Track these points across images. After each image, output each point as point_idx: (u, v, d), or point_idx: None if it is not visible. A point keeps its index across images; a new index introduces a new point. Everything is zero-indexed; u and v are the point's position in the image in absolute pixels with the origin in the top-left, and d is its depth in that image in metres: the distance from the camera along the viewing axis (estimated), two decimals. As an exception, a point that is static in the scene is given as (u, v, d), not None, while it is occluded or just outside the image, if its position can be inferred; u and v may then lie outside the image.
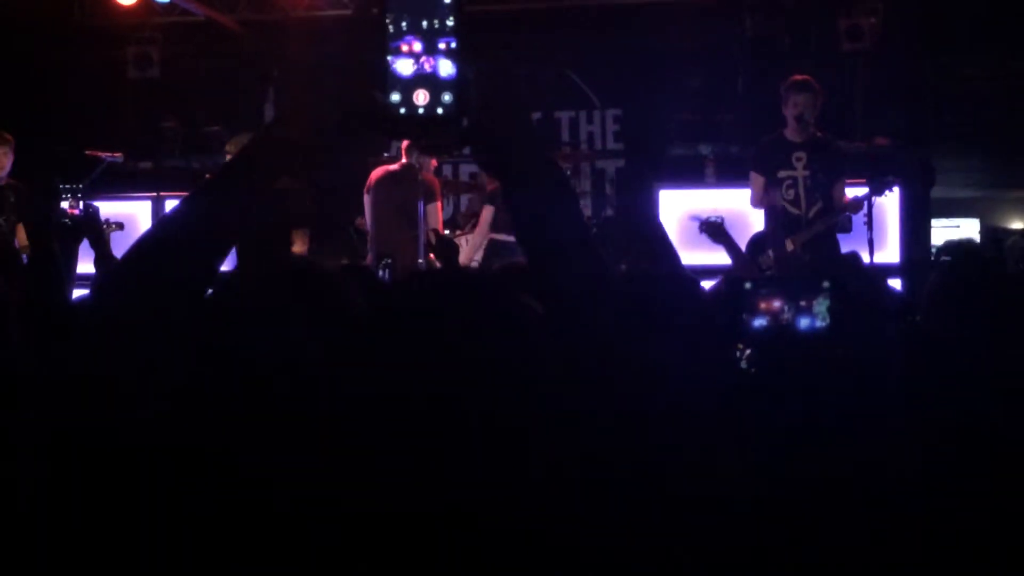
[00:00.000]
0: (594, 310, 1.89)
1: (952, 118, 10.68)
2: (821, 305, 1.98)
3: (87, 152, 9.75)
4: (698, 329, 2.10)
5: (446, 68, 1.84)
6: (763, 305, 1.99)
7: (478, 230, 9.13)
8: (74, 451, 1.81)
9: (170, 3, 11.20)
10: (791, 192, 7.72)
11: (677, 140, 11.36)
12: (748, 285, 1.99)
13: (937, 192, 10.44)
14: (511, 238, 8.38)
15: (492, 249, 8.94)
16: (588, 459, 1.78)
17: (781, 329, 1.99)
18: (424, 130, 1.89)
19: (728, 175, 10.37)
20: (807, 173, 7.68)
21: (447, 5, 1.85)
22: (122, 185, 9.98)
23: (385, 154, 10.89)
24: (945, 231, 12.47)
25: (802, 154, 7.67)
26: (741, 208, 8.89)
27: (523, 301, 1.81)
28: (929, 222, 10.64)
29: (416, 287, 1.85)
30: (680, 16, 10.81)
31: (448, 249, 7.50)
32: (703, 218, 7.42)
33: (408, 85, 1.84)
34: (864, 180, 8.10)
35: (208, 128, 10.94)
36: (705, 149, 10.90)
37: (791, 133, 7.70)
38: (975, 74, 10.55)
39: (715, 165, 10.50)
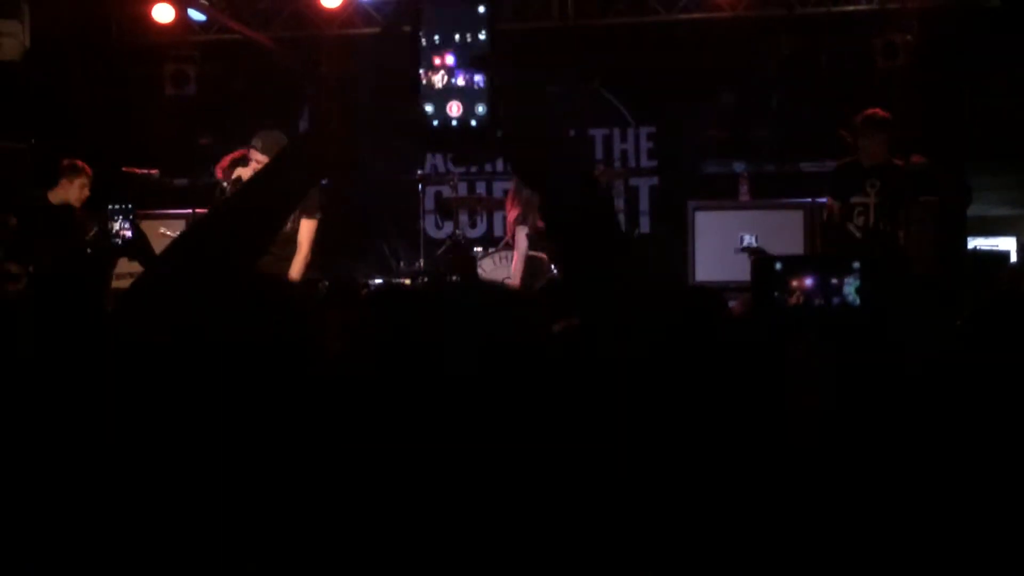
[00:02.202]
0: (632, 319, 1.88)
1: (988, 136, 10.60)
2: (851, 285, 1.97)
3: (124, 169, 9.82)
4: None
5: (480, 80, 1.85)
6: (794, 284, 1.99)
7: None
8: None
9: (207, 21, 11.29)
10: (861, 219, 7.80)
11: (711, 158, 11.36)
12: (778, 266, 1.99)
13: (973, 210, 10.38)
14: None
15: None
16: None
17: (812, 309, 1.98)
18: (458, 141, 1.91)
19: (762, 193, 10.35)
20: (878, 201, 7.74)
21: (481, 18, 1.86)
22: (157, 202, 10.03)
23: (420, 171, 10.97)
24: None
25: (876, 181, 7.77)
26: (775, 226, 8.90)
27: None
28: (965, 240, 10.57)
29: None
30: (714, 33, 10.81)
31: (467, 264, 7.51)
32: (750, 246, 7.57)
33: (442, 97, 1.86)
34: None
35: (244, 146, 10.99)
36: (739, 167, 10.89)
37: (865, 159, 7.77)
38: (1011, 91, 10.48)
39: (749, 183, 10.48)
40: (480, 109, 1.84)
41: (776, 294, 2.00)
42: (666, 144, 11.77)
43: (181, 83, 11.29)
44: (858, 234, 7.83)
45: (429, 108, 1.85)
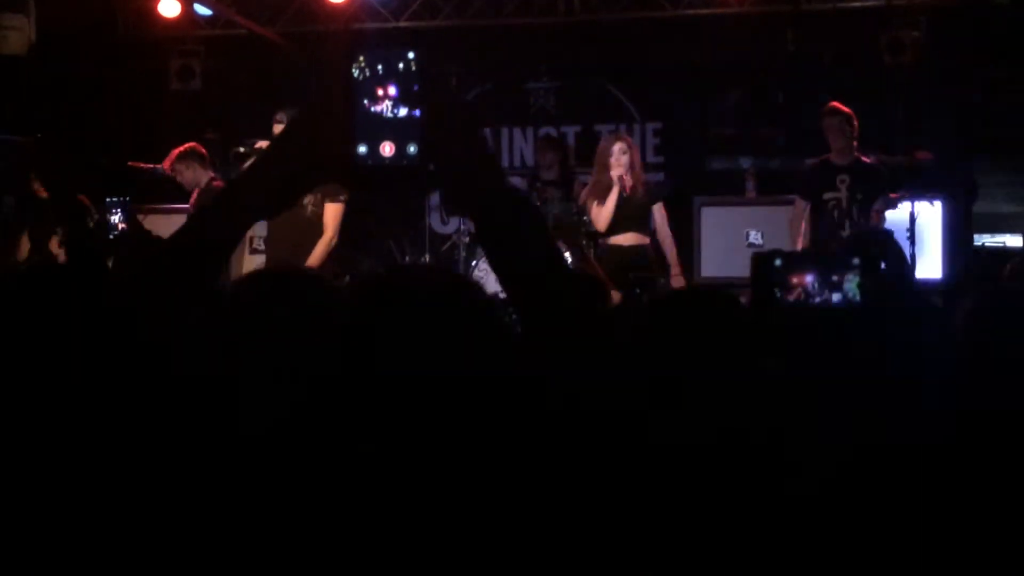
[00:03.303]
0: (573, 336, 1.89)
1: (995, 132, 10.58)
2: (852, 282, 1.96)
3: (129, 163, 9.82)
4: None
5: (411, 120, 1.88)
6: (794, 280, 1.98)
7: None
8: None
9: (213, 16, 11.29)
10: (835, 213, 7.94)
11: (717, 154, 11.33)
12: (778, 262, 1.98)
13: (979, 207, 10.37)
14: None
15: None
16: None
17: (812, 307, 1.97)
18: (391, 180, 1.94)
19: (768, 189, 10.33)
20: (849, 195, 7.87)
21: (411, 59, 1.89)
22: (163, 196, 10.03)
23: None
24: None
25: (846, 176, 7.95)
26: (782, 223, 8.87)
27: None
28: (971, 237, 10.56)
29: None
30: (721, 30, 10.78)
31: None
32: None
33: (374, 137, 1.89)
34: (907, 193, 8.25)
35: (249, 141, 10.98)
36: (745, 163, 10.87)
37: (836, 156, 7.95)
38: (1018, 88, 10.44)
39: (755, 179, 10.46)
40: (411, 149, 1.88)
41: (776, 291, 2.00)
42: (672, 140, 11.74)
43: (187, 78, 11.28)
44: (836, 228, 7.94)
45: (363, 149, 1.88)
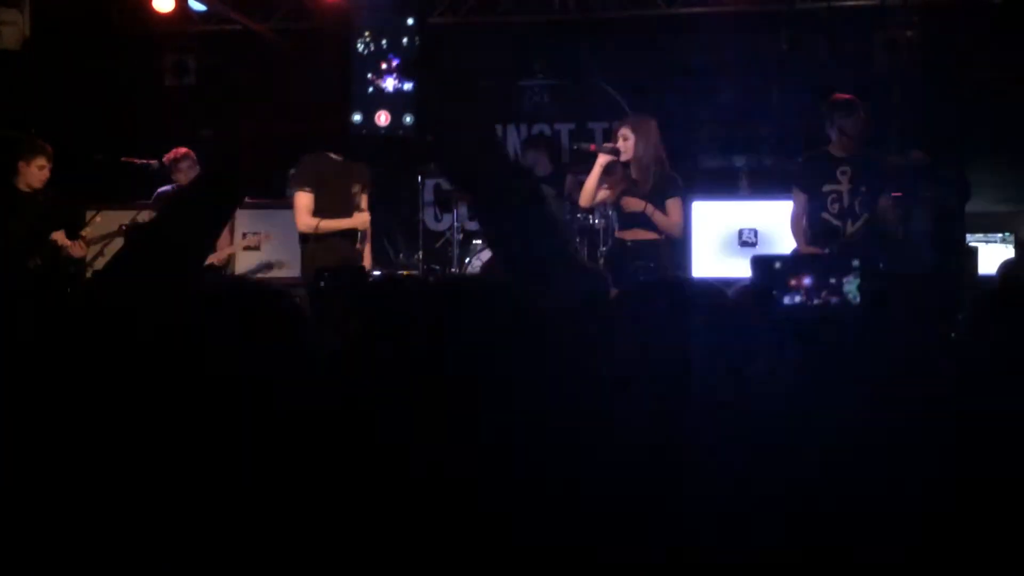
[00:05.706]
0: (570, 315, 1.88)
1: (988, 132, 10.58)
2: (851, 284, 1.97)
3: (123, 159, 9.80)
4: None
5: (407, 89, 1.86)
6: (793, 283, 1.98)
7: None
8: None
9: (207, 11, 11.27)
10: (835, 206, 7.71)
11: (711, 152, 11.32)
12: (778, 264, 1.98)
13: (972, 206, 10.35)
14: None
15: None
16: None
17: (812, 308, 1.98)
18: (386, 150, 1.93)
19: (762, 187, 10.34)
20: (851, 187, 7.66)
21: (410, 27, 1.88)
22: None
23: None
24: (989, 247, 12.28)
25: (847, 168, 7.67)
26: (775, 221, 8.88)
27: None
28: (964, 237, 10.54)
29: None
30: (715, 27, 10.79)
31: None
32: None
33: (370, 106, 1.87)
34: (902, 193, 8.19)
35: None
36: (739, 161, 10.87)
37: (836, 148, 7.71)
38: (1012, 88, 10.46)
39: (749, 177, 10.47)
40: (408, 119, 1.86)
41: (775, 293, 2.00)
42: (665, 138, 11.71)
43: (181, 74, 11.29)
44: (835, 221, 7.75)
45: (357, 118, 1.86)
